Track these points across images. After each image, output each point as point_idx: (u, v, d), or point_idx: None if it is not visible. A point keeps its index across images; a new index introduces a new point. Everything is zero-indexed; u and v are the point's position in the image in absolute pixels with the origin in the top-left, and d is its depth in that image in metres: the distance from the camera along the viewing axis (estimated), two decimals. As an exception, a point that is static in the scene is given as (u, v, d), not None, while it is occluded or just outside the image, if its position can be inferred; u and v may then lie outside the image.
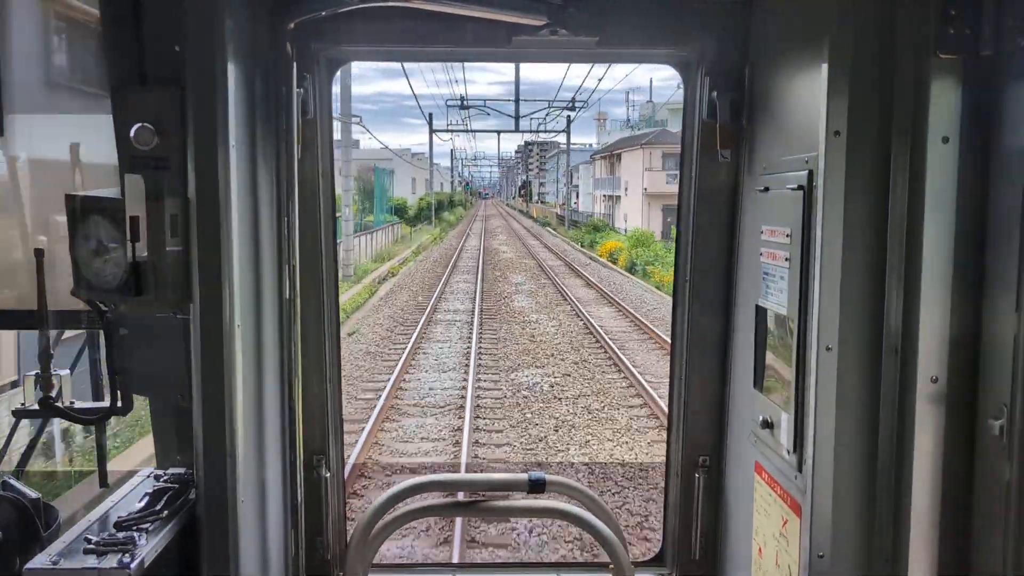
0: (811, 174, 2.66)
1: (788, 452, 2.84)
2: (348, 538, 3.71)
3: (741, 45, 3.37)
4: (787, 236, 2.83)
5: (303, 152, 3.39)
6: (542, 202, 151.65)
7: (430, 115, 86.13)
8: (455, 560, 8.98)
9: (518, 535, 9.86)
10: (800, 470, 2.77)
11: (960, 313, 2.54)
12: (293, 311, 3.32)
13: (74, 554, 2.69)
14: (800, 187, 2.71)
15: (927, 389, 2.57)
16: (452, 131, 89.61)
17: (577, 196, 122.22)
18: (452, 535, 9.64)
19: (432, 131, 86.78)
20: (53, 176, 3.39)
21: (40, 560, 2.65)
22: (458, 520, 9.72)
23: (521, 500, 3.48)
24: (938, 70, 2.48)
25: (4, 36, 2.73)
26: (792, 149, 2.87)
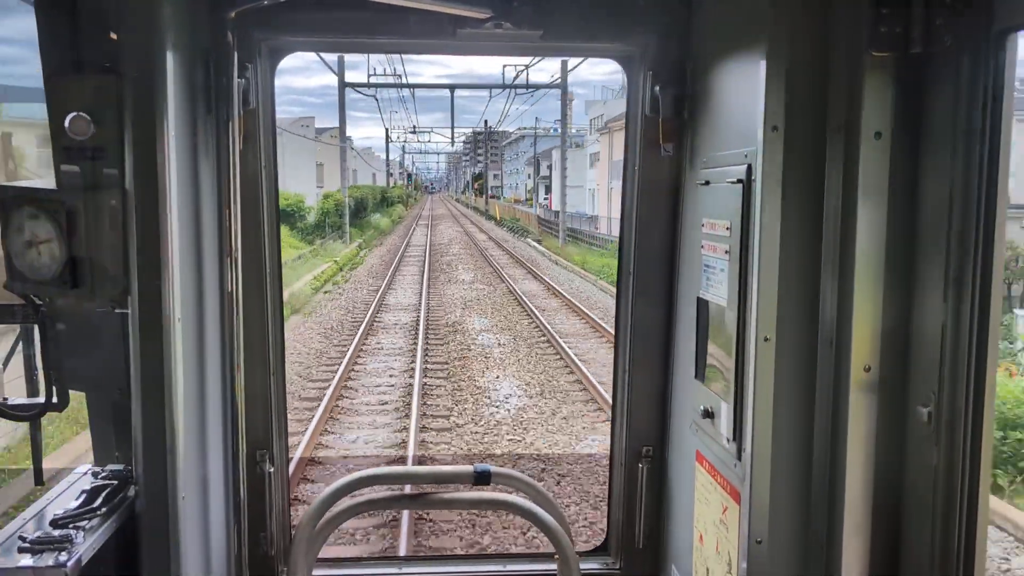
0: (750, 168, 2.72)
1: (728, 441, 2.90)
2: (292, 533, 3.69)
3: (682, 41, 3.41)
4: (727, 229, 2.88)
5: (245, 143, 3.35)
6: (493, 197, 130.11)
7: (340, 58, 52.31)
8: (402, 552, 8.96)
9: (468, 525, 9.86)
10: (739, 458, 2.82)
11: (892, 304, 2.61)
12: (235, 304, 3.28)
13: (8, 553, 2.63)
14: (739, 181, 2.77)
15: (860, 378, 2.64)
16: (375, 86, 58.87)
17: (547, 191, 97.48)
18: (399, 527, 9.62)
19: (343, 85, 53.80)
20: None
21: None
22: (405, 513, 9.71)
23: (467, 492, 3.49)
24: (871, 68, 2.54)
25: None
26: (732, 144, 2.92)
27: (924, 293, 2.54)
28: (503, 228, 76.06)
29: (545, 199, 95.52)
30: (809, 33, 2.65)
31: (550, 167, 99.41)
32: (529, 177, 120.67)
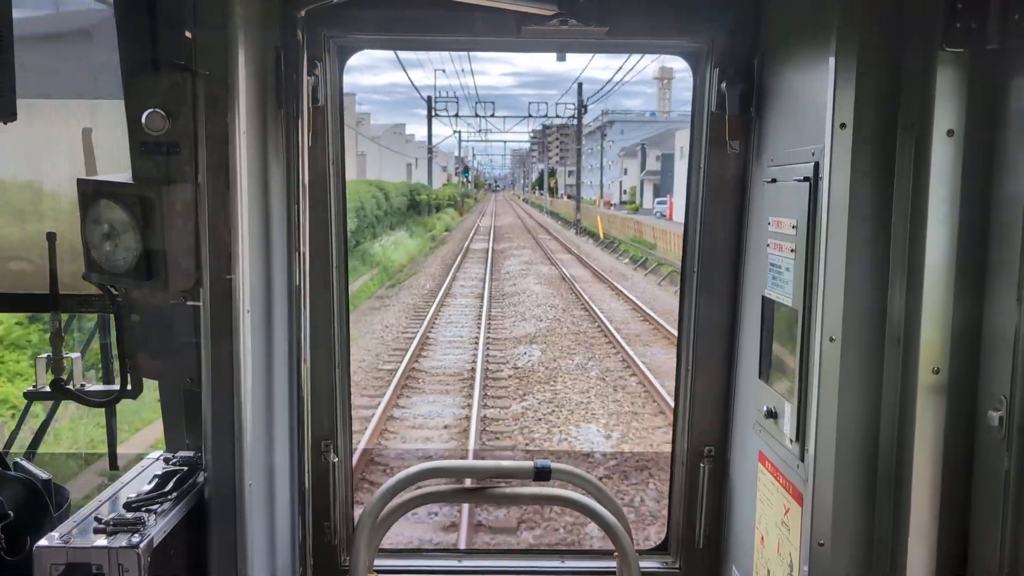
0: (817, 166, 2.67)
1: (791, 441, 2.86)
2: (355, 523, 3.75)
3: (750, 37, 3.37)
4: (793, 227, 2.84)
5: (313, 140, 3.41)
6: (570, 197, 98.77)
7: (429, 97, 75.70)
8: (462, 546, 9.04)
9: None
10: (802, 459, 2.78)
11: (962, 305, 2.55)
12: (302, 298, 3.35)
13: (85, 533, 2.73)
14: (806, 179, 2.72)
15: (928, 380, 2.58)
16: (457, 117, 75.74)
17: (657, 191, 73.27)
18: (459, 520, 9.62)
19: (431, 114, 75.70)
20: (66, 161, 3.42)
21: (51, 539, 2.69)
22: (464, 507, 9.77)
23: (527, 487, 3.51)
24: (944, 64, 2.48)
25: (17, 21, 2.75)
26: (799, 141, 2.88)
27: (996, 294, 2.47)
28: (621, 257, 42.28)
29: (661, 203, 66.76)
30: (881, 28, 2.60)
31: (661, 158, 74.87)
32: (625, 172, 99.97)
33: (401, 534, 9.30)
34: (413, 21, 3.45)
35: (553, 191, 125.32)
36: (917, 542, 2.64)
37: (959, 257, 2.54)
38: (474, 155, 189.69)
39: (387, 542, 3.63)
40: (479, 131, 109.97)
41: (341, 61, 3.59)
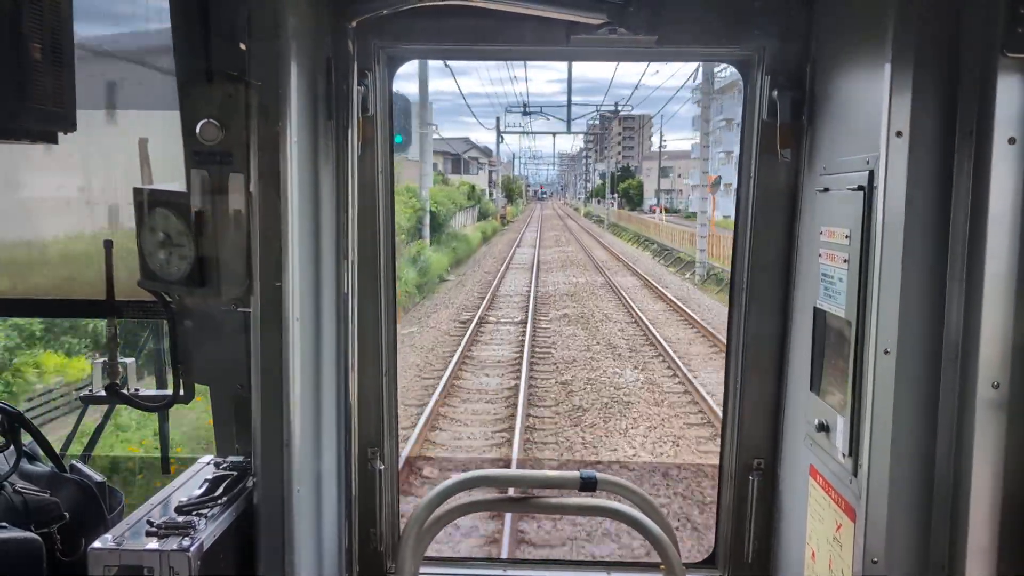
0: (871, 175, 2.62)
1: (843, 456, 2.81)
2: (401, 531, 3.76)
3: (802, 44, 3.33)
4: (846, 237, 2.79)
5: (363, 149, 3.44)
6: (666, 210, 79.19)
7: (497, 119, 79.61)
8: (504, 555, 9.02)
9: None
10: (855, 475, 2.73)
11: (1022, 318, 2.48)
12: (351, 306, 3.38)
13: (137, 536, 2.78)
14: (860, 188, 2.67)
15: (988, 395, 2.51)
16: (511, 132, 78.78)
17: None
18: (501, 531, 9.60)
19: (500, 131, 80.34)
20: (122, 170, 3.50)
21: (104, 540, 2.75)
22: (507, 517, 9.76)
23: (573, 498, 3.49)
24: (1005, 69, 2.42)
25: (74, 33, 2.82)
26: (853, 149, 2.83)
27: None
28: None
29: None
30: (938, 33, 2.54)
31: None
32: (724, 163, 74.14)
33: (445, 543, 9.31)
34: (463, 31, 3.47)
35: (635, 199, 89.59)
36: (975, 563, 2.56)
37: (1020, 268, 2.47)
38: (516, 157, 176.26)
39: (432, 550, 3.63)
40: (524, 132, 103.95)
41: (391, 71, 3.63)
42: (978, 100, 2.50)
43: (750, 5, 3.37)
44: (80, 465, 3.39)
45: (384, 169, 3.60)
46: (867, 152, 2.67)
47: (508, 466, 12.43)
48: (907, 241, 2.57)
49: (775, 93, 3.34)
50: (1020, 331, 2.49)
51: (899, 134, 2.54)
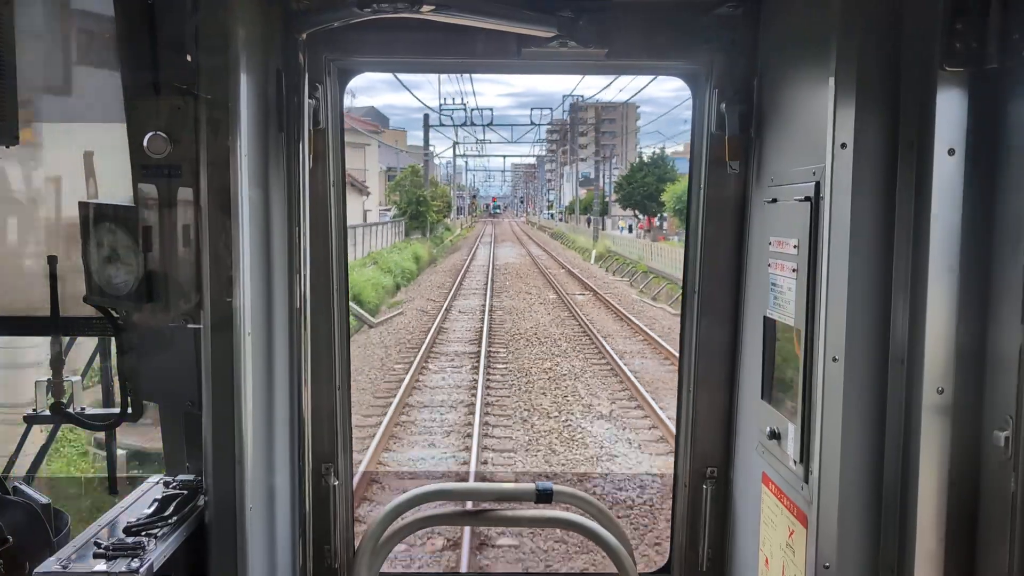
0: (818, 186, 2.68)
1: (795, 463, 2.84)
2: (356, 546, 3.72)
3: (749, 58, 3.38)
4: (795, 247, 2.84)
5: (314, 162, 3.42)
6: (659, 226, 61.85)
7: (426, 116, 76.49)
8: (464, 568, 8.97)
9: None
10: (807, 481, 2.77)
11: (966, 324, 2.54)
12: (303, 320, 3.34)
13: (83, 558, 2.71)
14: (807, 198, 2.72)
15: (933, 400, 2.57)
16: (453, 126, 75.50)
17: None
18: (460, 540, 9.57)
19: (428, 126, 76.75)
20: (66, 184, 3.43)
21: (50, 564, 2.67)
22: (466, 528, 9.71)
23: (529, 510, 3.49)
24: (944, 83, 2.49)
25: (18, 46, 2.76)
26: (799, 161, 2.88)
27: (1000, 314, 2.46)
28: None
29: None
30: (879, 49, 2.61)
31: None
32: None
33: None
34: (414, 44, 3.47)
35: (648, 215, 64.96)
36: (924, 565, 2.61)
37: (962, 276, 2.53)
38: (467, 169, 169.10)
39: (387, 566, 3.60)
40: (477, 142, 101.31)
41: (342, 83, 3.61)
42: (919, 113, 2.56)
43: (698, 20, 3.42)
44: (24, 487, 3.30)
45: (336, 182, 3.58)
46: (813, 164, 2.72)
47: (465, 479, 12.39)
48: (853, 250, 2.62)
49: (723, 106, 3.40)
50: (963, 337, 2.55)
51: (844, 146, 2.60)
